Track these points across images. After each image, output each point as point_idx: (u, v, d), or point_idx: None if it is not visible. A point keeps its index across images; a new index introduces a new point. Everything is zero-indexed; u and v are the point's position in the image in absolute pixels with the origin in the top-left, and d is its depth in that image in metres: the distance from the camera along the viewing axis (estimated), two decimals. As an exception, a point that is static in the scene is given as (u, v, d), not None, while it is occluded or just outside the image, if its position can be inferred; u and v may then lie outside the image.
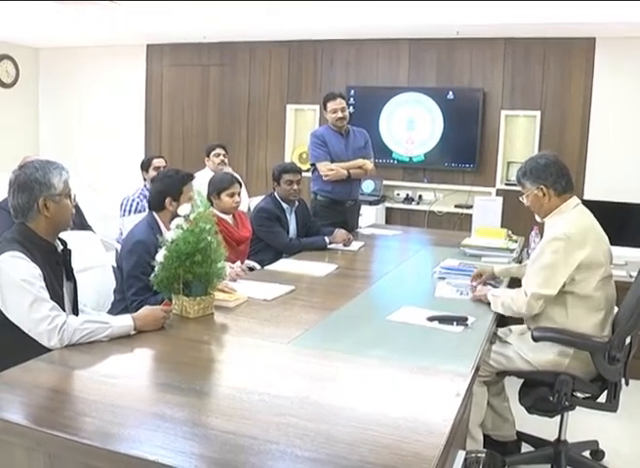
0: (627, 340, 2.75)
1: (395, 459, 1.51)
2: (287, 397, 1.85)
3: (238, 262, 3.37)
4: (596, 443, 3.22)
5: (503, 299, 2.81)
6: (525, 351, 2.82)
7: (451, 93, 6.62)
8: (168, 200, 3.11)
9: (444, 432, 1.66)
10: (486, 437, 2.93)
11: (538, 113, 6.37)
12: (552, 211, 2.87)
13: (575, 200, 2.88)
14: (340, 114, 4.85)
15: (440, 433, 1.65)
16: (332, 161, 4.82)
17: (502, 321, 3.10)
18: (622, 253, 4.69)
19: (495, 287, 3.18)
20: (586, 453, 3.18)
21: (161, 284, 2.56)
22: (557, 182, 2.83)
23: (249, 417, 1.71)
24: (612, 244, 4.63)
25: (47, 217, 2.32)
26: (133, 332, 2.29)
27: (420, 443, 1.61)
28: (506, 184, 6.45)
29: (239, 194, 3.82)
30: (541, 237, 3.07)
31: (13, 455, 1.65)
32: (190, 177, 3.22)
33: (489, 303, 2.88)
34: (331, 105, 4.86)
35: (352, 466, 1.48)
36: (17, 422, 1.64)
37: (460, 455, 1.95)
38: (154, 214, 3.15)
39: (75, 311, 2.48)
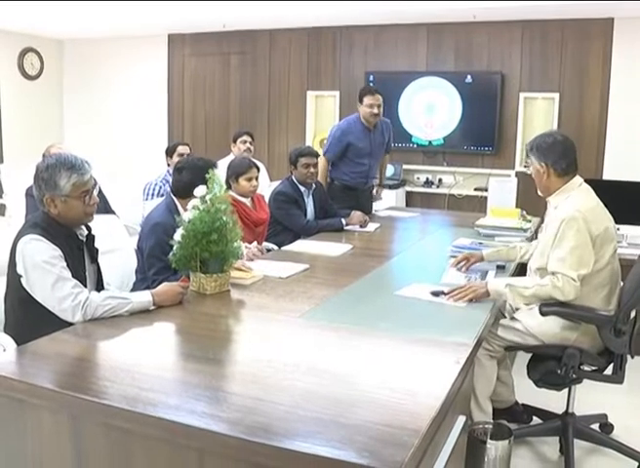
0: (633, 314, 2.82)
1: (392, 418, 1.61)
2: (294, 364, 1.96)
3: (255, 243, 3.49)
4: (605, 416, 3.29)
5: (535, 291, 2.74)
6: (533, 326, 2.88)
7: (469, 76, 6.66)
8: None
9: (441, 395, 1.75)
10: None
11: (556, 95, 6.38)
12: (553, 190, 2.92)
13: (578, 179, 2.93)
14: (375, 110, 4.86)
15: (437, 396, 1.74)
16: (350, 154, 4.93)
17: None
18: (642, 232, 4.73)
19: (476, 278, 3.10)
20: (595, 427, 3.24)
21: (179, 262, 2.67)
22: (557, 163, 2.88)
23: (257, 382, 1.83)
24: (631, 223, 4.67)
25: (56, 213, 2.41)
26: (152, 308, 2.41)
27: (417, 404, 1.70)
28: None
29: (256, 178, 3.93)
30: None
31: (40, 416, 1.78)
32: (215, 165, 3.30)
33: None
34: (368, 100, 4.86)
35: (351, 424, 1.58)
36: (43, 386, 1.77)
37: (461, 420, 2.03)
38: (173, 197, 3.25)
39: (100, 291, 2.59)
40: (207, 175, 3.19)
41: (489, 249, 3.43)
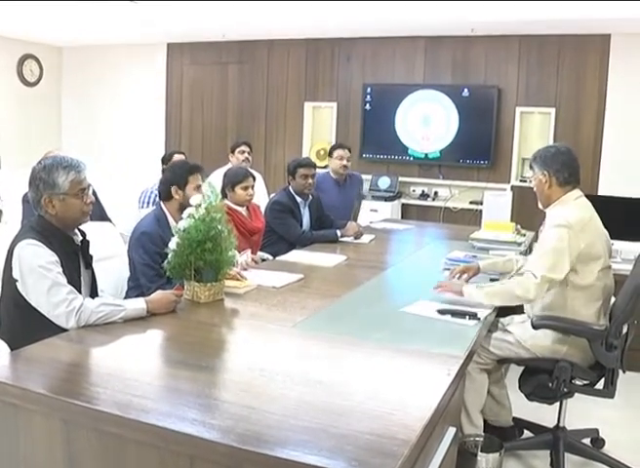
0: (624, 329, 2.83)
1: (382, 428, 1.62)
2: (286, 373, 1.97)
3: (249, 251, 3.50)
4: (596, 431, 3.30)
5: (499, 288, 2.82)
6: (525, 338, 2.91)
7: (466, 90, 6.69)
8: (174, 189, 3.24)
9: (431, 407, 1.76)
10: (484, 422, 3.01)
11: (552, 110, 6.41)
12: (553, 200, 2.96)
13: (577, 192, 2.96)
14: (344, 162, 5.21)
15: (427, 407, 1.75)
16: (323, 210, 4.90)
17: (504, 311, 3.19)
18: (637, 248, 4.74)
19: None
20: (586, 441, 3.25)
21: (174, 270, 2.68)
22: (559, 172, 2.93)
23: (249, 390, 1.83)
24: (626, 239, 4.70)
25: (54, 213, 2.42)
26: (146, 315, 2.42)
27: (407, 415, 1.71)
28: (521, 181, 6.50)
29: (252, 187, 3.95)
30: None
31: (32, 421, 1.78)
32: (197, 168, 3.35)
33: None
34: (338, 152, 5.25)
35: (341, 434, 1.58)
36: (36, 391, 1.77)
37: (451, 431, 2.04)
38: (162, 206, 3.27)
39: (94, 297, 2.60)
40: (184, 175, 3.25)
41: (485, 260, 3.44)
